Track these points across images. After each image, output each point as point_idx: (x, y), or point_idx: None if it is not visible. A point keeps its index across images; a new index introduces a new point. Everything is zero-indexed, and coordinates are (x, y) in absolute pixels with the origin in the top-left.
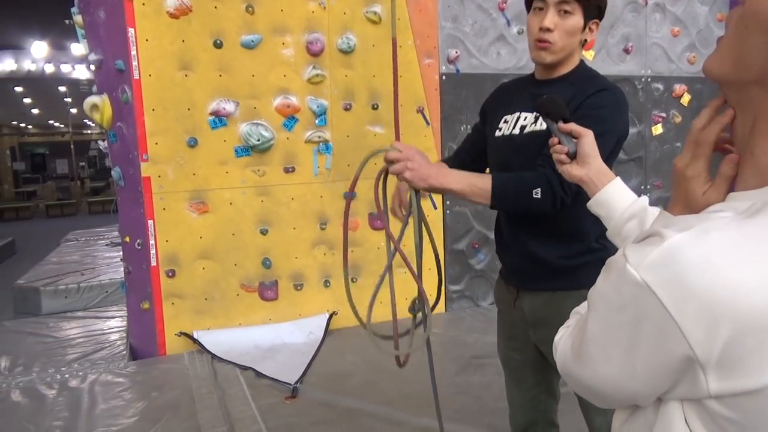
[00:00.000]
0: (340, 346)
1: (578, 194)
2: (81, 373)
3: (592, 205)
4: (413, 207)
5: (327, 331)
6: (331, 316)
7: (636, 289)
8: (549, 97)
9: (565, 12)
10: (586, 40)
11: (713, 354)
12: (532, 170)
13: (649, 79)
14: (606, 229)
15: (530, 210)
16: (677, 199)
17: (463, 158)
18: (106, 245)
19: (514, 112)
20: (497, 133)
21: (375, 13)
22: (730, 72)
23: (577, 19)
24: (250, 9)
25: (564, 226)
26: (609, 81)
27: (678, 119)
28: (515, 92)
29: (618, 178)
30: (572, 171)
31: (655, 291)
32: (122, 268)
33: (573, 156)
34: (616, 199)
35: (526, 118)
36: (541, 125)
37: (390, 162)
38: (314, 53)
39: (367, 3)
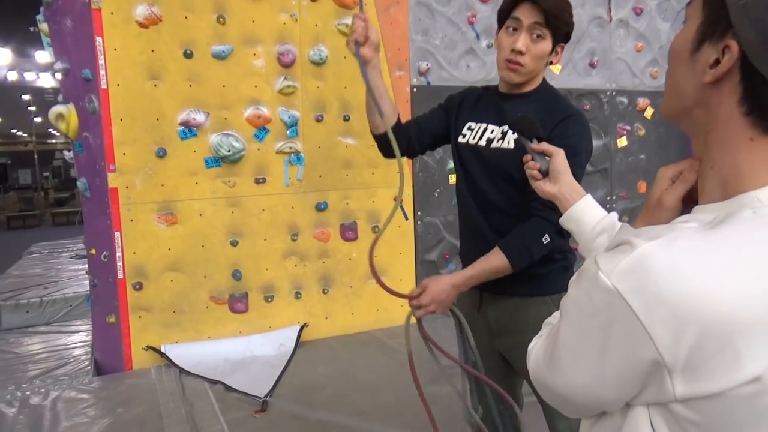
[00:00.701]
0: (311, 358)
1: None
2: (43, 390)
3: (564, 221)
4: (459, 325)
5: (298, 343)
6: (302, 328)
7: (607, 296)
8: (524, 116)
9: (538, 36)
10: (551, 62)
11: (679, 358)
12: (495, 184)
13: (614, 93)
14: (566, 241)
15: (545, 253)
16: (643, 209)
17: (415, 130)
18: (71, 258)
19: (480, 122)
20: (460, 139)
21: (347, 25)
22: (675, 105)
23: (547, 43)
24: (221, 19)
25: None
26: (570, 103)
27: (642, 132)
28: (481, 101)
29: (588, 195)
30: (545, 188)
31: (625, 297)
32: (87, 281)
33: (546, 173)
34: (586, 214)
35: (493, 131)
36: (508, 144)
37: (416, 308)
38: (285, 64)
39: (338, 15)
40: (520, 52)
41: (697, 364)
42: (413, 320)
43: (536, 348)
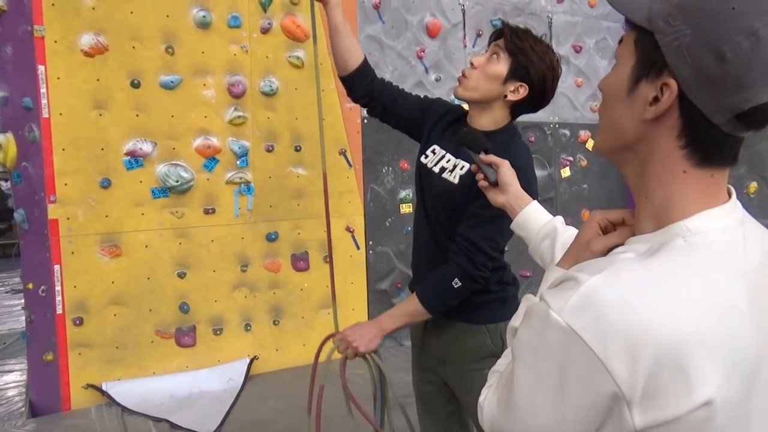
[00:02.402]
0: (262, 392)
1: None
2: None
3: (514, 227)
4: (374, 369)
5: (248, 376)
6: (251, 361)
7: (561, 334)
8: (469, 131)
9: (495, 55)
10: (506, 96)
11: (637, 389)
12: (443, 211)
13: (557, 126)
14: (506, 274)
15: (460, 297)
16: (571, 246)
17: (388, 93)
18: (6, 292)
19: (443, 148)
20: (422, 159)
21: (298, 57)
22: (614, 143)
23: (500, 67)
24: (170, 50)
25: None
26: (523, 146)
27: (584, 163)
28: (452, 126)
29: (534, 202)
30: (495, 198)
31: (579, 334)
32: (23, 317)
33: (495, 183)
34: (531, 220)
35: (449, 161)
36: (454, 178)
37: (341, 352)
38: (236, 95)
39: (289, 48)
40: (472, 65)
41: (653, 392)
42: (335, 356)
43: (488, 399)
